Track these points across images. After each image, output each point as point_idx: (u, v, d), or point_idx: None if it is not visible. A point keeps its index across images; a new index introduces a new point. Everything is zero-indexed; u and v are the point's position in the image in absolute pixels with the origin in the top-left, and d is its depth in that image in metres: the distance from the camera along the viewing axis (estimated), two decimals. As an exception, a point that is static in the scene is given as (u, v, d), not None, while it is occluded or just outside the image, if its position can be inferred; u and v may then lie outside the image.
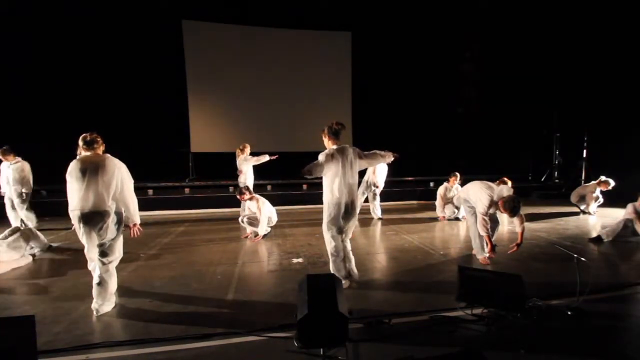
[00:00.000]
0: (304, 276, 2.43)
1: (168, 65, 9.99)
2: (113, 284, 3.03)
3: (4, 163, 5.81)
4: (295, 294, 2.69)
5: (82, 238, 2.95)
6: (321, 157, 3.24)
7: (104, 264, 2.97)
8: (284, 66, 10.93)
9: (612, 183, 6.70)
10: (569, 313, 2.75)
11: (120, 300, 3.15)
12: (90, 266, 3.10)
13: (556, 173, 10.70)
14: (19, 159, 5.84)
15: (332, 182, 3.24)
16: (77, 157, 2.97)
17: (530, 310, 2.76)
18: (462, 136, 11.96)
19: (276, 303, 3.12)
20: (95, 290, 2.93)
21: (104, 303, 2.94)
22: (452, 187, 6.88)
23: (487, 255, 4.05)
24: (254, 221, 5.39)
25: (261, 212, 5.29)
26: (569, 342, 2.44)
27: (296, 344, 2.26)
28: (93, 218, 2.87)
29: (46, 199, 7.86)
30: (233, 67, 10.60)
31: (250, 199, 5.45)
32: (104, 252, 2.97)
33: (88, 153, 2.95)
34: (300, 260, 4.34)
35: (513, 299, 2.67)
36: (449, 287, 3.23)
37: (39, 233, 4.81)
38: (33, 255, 4.58)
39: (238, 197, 5.50)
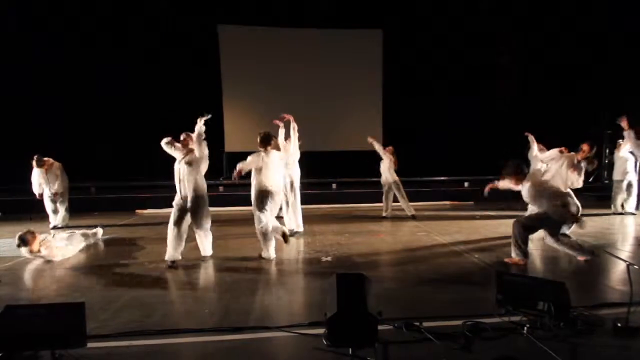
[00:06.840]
0: (334, 275, 2.43)
1: (205, 68, 10.39)
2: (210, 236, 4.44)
3: (39, 169, 5.99)
4: (324, 292, 2.70)
5: (180, 216, 4.14)
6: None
7: (204, 232, 4.32)
8: (316, 66, 10.98)
9: None
10: (618, 325, 2.54)
11: (159, 292, 3.35)
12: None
13: (606, 173, 9.89)
14: (51, 160, 6.12)
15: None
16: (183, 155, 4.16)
17: (574, 321, 2.58)
18: (502, 135, 11.37)
19: (305, 300, 3.16)
20: (201, 240, 4.37)
21: (208, 247, 4.39)
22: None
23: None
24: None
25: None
26: (616, 357, 2.27)
27: (325, 342, 2.27)
28: (194, 202, 4.18)
29: (95, 195, 8.45)
30: (266, 67, 10.80)
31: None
32: (200, 225, 4.24)
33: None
34: (329, 259, 4.36)
35: (556, 308, 2.51)
36: (484, 291, 3.10)
37: (87, 232, 5.07)
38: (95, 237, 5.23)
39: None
